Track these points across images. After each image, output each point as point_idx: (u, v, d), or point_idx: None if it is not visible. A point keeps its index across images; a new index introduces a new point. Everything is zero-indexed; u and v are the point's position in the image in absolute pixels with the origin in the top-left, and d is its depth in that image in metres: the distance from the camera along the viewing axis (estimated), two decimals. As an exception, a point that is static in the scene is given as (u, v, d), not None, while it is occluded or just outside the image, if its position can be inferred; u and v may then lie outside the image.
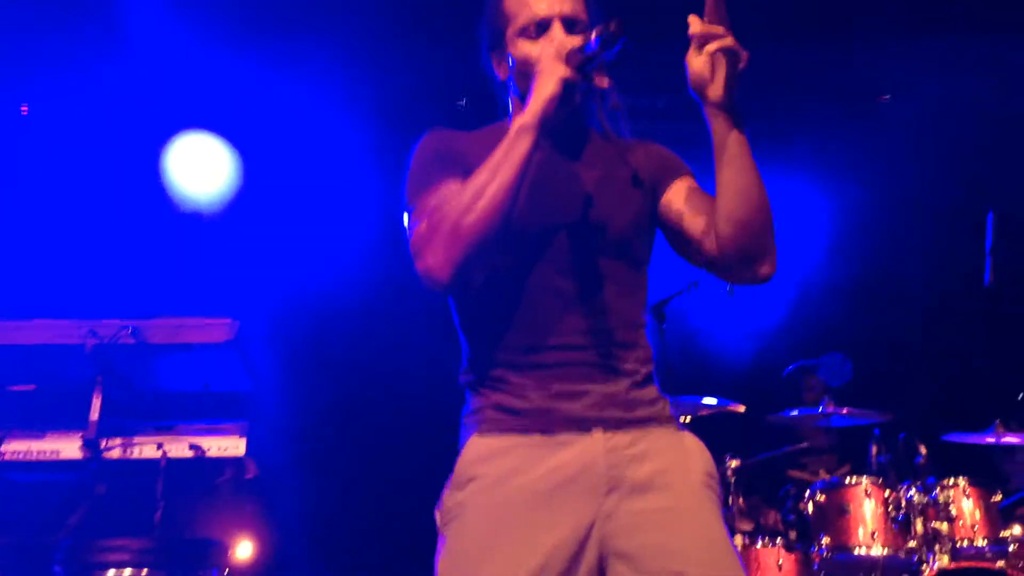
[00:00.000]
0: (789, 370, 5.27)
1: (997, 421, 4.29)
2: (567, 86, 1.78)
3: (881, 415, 4.51)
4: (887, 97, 5.39)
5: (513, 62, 1.95)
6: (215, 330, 3.47)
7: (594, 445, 1.81)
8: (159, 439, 3.52)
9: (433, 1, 4.66)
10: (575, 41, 1.83)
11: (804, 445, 4.89)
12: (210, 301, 4.09)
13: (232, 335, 3.46)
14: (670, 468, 1.83)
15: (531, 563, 1.74)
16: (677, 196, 1.95)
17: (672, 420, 1.92)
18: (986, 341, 5.36)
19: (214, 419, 3.64)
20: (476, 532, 1.79)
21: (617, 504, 1.78)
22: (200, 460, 3.53)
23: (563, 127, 1.93)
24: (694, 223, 1.89)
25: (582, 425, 1.82)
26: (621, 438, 1.82)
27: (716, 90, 1.74)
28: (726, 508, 4.23)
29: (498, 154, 1.76)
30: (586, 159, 1.99)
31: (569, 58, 1.79)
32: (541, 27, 1.90)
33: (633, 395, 1.88)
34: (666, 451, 1.85)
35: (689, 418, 4.36)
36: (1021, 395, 4.80)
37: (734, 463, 4.32)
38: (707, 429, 4.63)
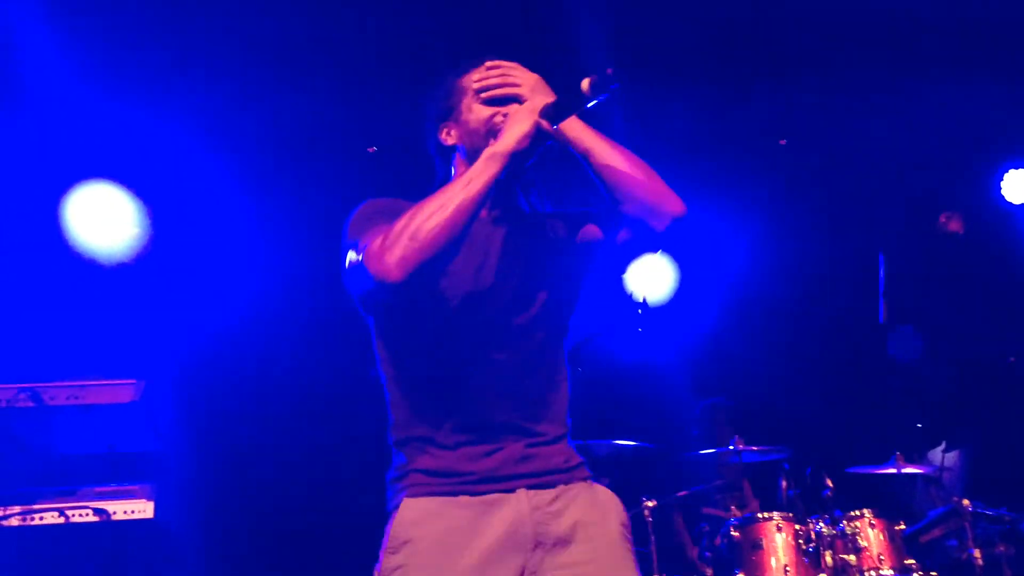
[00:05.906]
0: (700, 408, 5.38)
1: (897, 452, 4.45)
2: (538, 130, 1.90)
3: (788, 450, 4.65)
4: (784, 142, 5.60)
5: (468, 126, 2.06)
6: (119, 391, 3.39)
7: (519, 504, 1.92)
8: (61, 504, 3.41)
9: (339, 48, 4.66)
10: (548, 98, 1.94)
11: (718, 482, 4.99)
12: (115, 360, 3.97)
13: (137, 395, 3.39)
14: (589, 522, 1.94)
15: None
16: (591, 224, 2.09)
17: (586, 476, 2.03)
18: (883, 375, 5.57)
19: (120, 482, 3.53)
20: None
21: (542, 559, 1.90)
22: (105, 524, 3.41)
23: (497, 203, 2.05)
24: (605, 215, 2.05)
25: (505, 485, 1.92)
26: (543, 496, 1.94)
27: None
28: (645, 548, 4.28)
29: (465, 175, 1.87)
30: (514, 233, 2.08)
31: (544, 111, 1.91)
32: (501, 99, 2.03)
33: (550, 454, 1.98)
34: (584, 506, 1.96)
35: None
36: (919, 425, 5.00)
37: (651, 504, 4.38)
38: (624, 471, 4.71)
